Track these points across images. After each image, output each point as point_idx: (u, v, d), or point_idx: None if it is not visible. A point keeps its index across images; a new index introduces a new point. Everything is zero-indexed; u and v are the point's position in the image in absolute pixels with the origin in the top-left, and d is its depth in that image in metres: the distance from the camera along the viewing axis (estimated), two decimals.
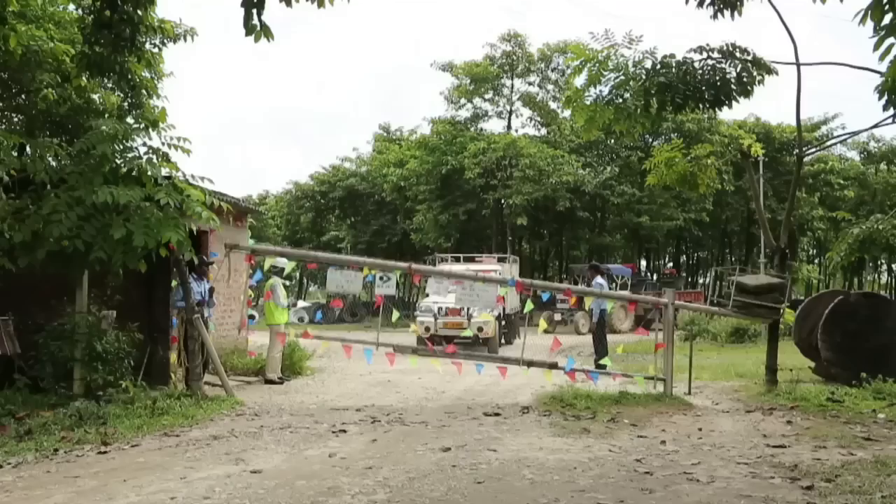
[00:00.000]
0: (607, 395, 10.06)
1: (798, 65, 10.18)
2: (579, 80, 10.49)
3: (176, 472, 6.27)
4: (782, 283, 10.44)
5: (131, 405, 8.80)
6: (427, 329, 17.96)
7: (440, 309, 18.19)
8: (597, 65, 10.11)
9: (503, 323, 19.87)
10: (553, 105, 36.56)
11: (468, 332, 17.58)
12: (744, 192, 33.75)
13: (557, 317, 27.18)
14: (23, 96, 11.46)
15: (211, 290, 11.37)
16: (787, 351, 12.74)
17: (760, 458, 6.65)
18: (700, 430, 8.03)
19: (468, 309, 16.99)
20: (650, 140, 34.17)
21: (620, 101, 10.14)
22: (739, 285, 10.44)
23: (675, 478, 6.00)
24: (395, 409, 9.58)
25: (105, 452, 7.05)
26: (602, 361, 12.47)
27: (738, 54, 9.30)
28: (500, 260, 20.62)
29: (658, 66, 9.44)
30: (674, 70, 9.30)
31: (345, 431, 8.07)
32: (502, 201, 34.19)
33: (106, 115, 10.87)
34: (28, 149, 10.11)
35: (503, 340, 20.91)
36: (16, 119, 12.16)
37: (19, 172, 8.86)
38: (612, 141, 34.38)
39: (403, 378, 13.21)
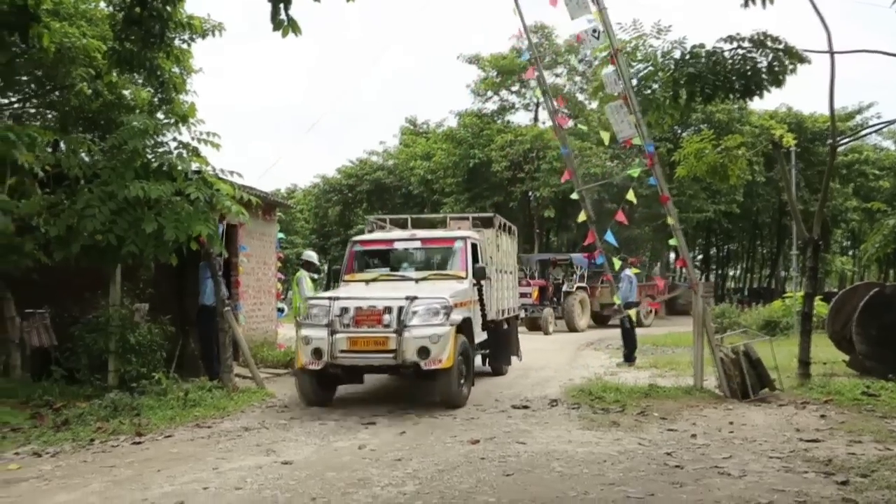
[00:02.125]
0: (636, 388, 10.00)
1: (831, 53, 9.97)
2: (606, 71, 10.38)
3: (208, 462, 6.36)
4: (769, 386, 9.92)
5: (164, 396, 8.93)
6: (317, 353, 8.75)
7: (344, 310, 8.89)
8: (625, 56, 10.02)
9: (477, 344, 10.37)
10: (580, 97, 36.29)
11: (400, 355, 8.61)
12: (775, 183, 33.25)
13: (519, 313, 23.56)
14: (56, 93, 11.65)
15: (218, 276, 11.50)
16: (821, 344, 12.55)
17: (793, 453, 6.57)
18: (731, 423, 7.95)
19: (402, 312, 8.68)
20: (679, 131, 33.76)
21: (649, 92, 10.03)
22: (749, 351, 9.92)
23: (705, 471, 5.94)
24: (423, 401, 9.60)
25: (139, 443, 7.18)
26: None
27: (769, 43, 9.13)
28: (480, 225, 12.06)
29: (687, 57, 9.31)
30: (703, 60, 9.16)
31: (374, 423, 8.12)
32: (529, 194, 34.09)
33: (137, 111, 11.02)
34: (62, 145, 10.31)
35: (489, 367, 12.34)
36: (50, 116, 12.36)
37: (54, 168, 9.05)
38: None
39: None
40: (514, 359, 13.17)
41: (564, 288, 24.60)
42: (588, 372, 12.22)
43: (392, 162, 42.08)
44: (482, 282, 10.35)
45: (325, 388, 9.36)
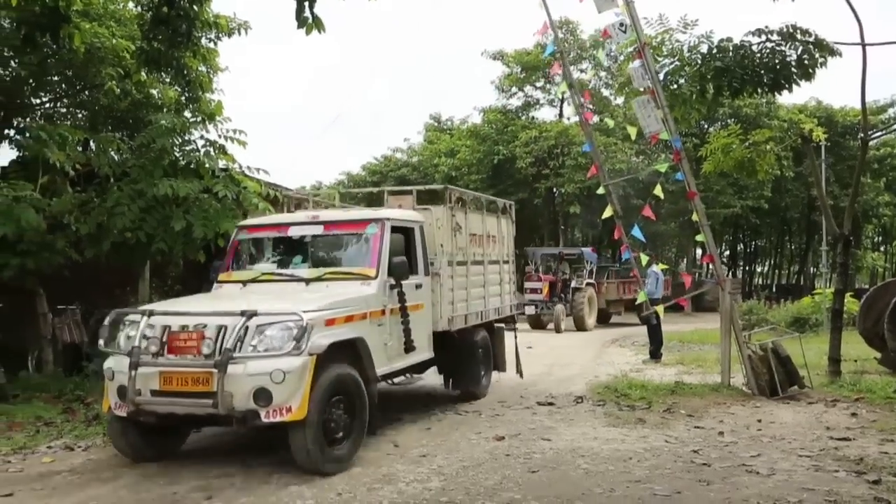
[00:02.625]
0: (662, 385, 9.93)
1: (863, 45, 9.79)
2: (633, 66, 10.32)
3: (236, 457, 6.42)
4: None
5: None
6: (121, 392, 5.98)
7: (165, 329, 6.01)
8: (650, 51, 9.94)
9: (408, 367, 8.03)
10: (606, 92, 36.03)
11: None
12: (804, 177, 32.82)
13: (530, 310, 21.83)
14: (86, 93, 11.83)
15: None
16: (851, 341, 12.36)
17: (823, 451, 6.48)
18: (759, 421, 7.87)
19: (230, 335, 5.81)
20: (706, 126, 33.43)
21: (675, 86, 9.95)
22: (778, 348, 9.77)
23: (733, 469, 5.89)
24: (448, 398, 9.61)
25: None
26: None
27: (798, 36, 9.01)
28: (435, 198, 9.34)
29: (714, 51, 9.22)
30: (731, 54, 9.08)
31: (399, 420, 8.14)
32: (554, 190, 33.93)
33: (164, 110, 11.16)
34: (92, 144, 10.48)
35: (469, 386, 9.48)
36: (80, 115, 12.55)
37: (84, 167, 9.22)
38: None
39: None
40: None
41: (573, 284, 22.99)
42: (613, 369, 12.15)
43: (416, 158, 42.10)
44: (427, 278, 8.08)
45: (152, 437, 6.37)
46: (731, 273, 44.70)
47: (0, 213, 8.40)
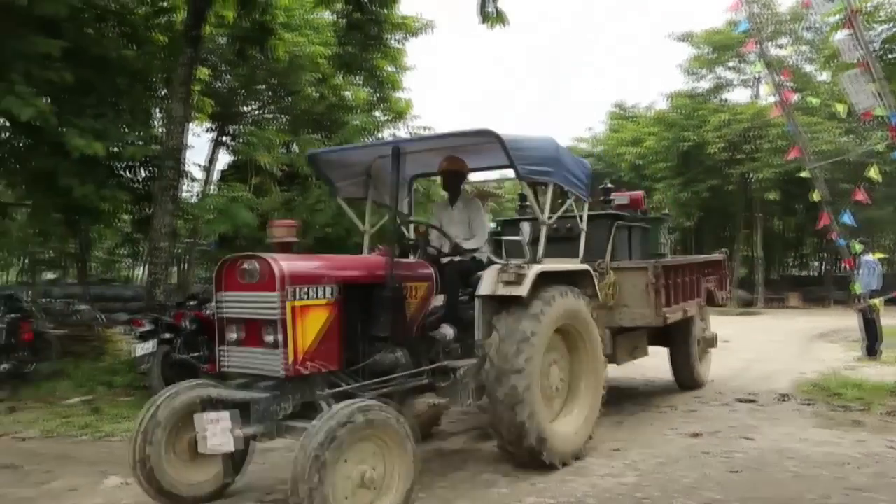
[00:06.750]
0: (882, 385, 8.99)
1: None
2: (840, 37, 9.45)
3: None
4: None
5: None
6: None
7: None
8: (861, 18, 9.04)
9: None
10: (808, 68, 33.26)
11: None
12: None
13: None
14: (288, 98, 12.77)
15: None
16: None
17: None
18: None
19: None
20: None
21: (893, 55, 8.99)
22: None
23: None
24: (640, 392, 9.35)
25: None
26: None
27: None
28: None
29: None
30: None
31: None
32: (749, 176, 31.89)
33: (357, 111, 11.78)
34: (294, 146, 11.31)
35: None
36: (283, 120, 13.58)
37: (288, 167, 9.97)
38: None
39: (645, 359, 12.84)
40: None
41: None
42: (822, 366, 11.19)
43: (600, 148, 41.30)
44: None
45: None
46: None
47: (220, 212, 9.30)
